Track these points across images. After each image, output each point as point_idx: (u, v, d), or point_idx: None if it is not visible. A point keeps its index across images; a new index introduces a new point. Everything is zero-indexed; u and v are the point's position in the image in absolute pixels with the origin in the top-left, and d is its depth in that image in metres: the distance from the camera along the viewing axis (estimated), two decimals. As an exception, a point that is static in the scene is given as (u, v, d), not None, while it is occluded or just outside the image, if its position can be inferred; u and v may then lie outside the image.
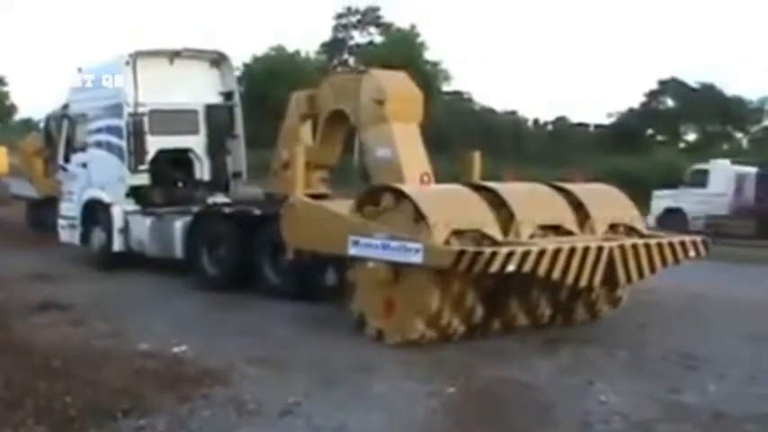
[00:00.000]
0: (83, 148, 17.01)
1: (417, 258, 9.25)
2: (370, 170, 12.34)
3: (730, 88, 57.09)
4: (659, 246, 10.23)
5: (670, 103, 58.78)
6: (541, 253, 9.12)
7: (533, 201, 10.37)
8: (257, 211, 13.52)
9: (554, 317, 10.59)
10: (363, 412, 7.37)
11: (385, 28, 49.51)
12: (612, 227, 10.64)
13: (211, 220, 14.44)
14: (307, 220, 11.11)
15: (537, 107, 69.45)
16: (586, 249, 9.47)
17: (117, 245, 15.84)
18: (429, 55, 44.44)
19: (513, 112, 61.52)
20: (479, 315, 9.79)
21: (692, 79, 56.64)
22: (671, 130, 57.96)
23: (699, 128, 58.47)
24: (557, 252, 9.23)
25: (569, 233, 10.18)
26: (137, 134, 15.72)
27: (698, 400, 7.66)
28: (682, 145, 56.21)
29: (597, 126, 57.99)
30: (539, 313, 10.38)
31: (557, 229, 10.17)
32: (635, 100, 59.55)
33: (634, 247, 9.97)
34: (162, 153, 16.25)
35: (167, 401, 7.54)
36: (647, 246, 10.11)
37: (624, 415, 7.23)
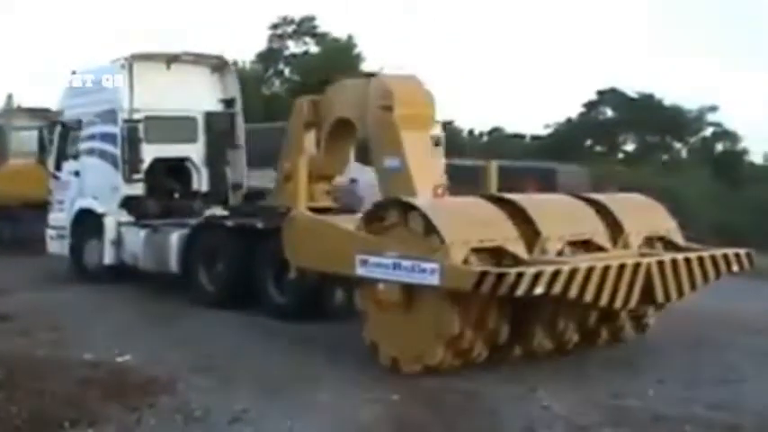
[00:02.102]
0: (75, 156, 15.90)
1: (434, 280, 8.18)
2: (379, 182, 11.23)
3: (669, 98, 56.44)
4: (700, 260, 9.16)
5: (609, 113, 57.36)
6: (573, 272, 8.04)
7: (560, 213, 9.30)
8: (260, 225, 12.45)
9: (581, 341, 9.49)
10: (310, 419, 7.34)
11: (320, 38, 48.74)
12: (648, 240, 9.61)
13: (210, 234, 13.37)
14: (310, 237, 10.01)
15: (473, 118, 68.29)
16: (622, 267, 8.41)
17: (108, 258, 14.78)
18: (366, 65, 43.61)
19: (449, 123, 60.50)
20: (504, 338, 8.70)
21: (632, 89, 55.38)
22: (610, 140, 56.68)
23: (638, 138, 57.13)
24: (589, 271, 8.15)
25: (601, 249, 9.11)
26: (131, 142, 14.68)
27: (638, 404, 7.66)
28: (620, 155, 55.07)
29: (534, 137, 57.04)
30: (566, 339, 9.24)
31: (586, 245, 9.11)
32: (573, 111, 58.77)
33: (673, 262, 8.90)
34: (158, 162, 15.18)
35: (114, 411, 7.45)
36: (688, 260, 9.04)
37: (566, 419, 7.21)
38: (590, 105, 57.26)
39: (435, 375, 8.54)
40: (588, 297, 8.17)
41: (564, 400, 7.75)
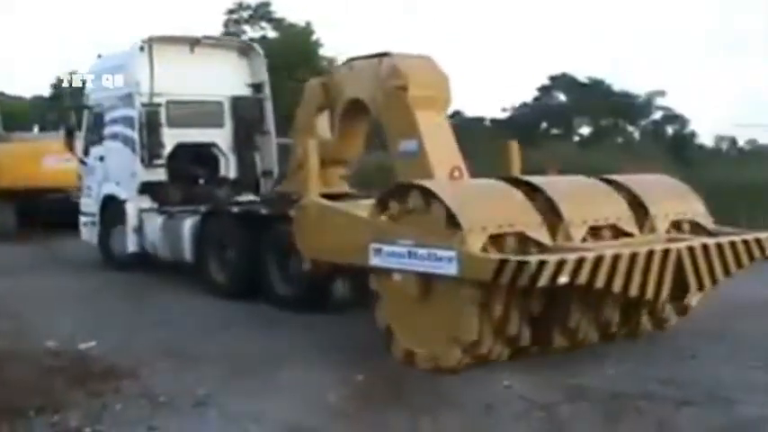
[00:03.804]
0: (100, 141, 15.18)
1: (451, 269, 7.33)
2: (393, 166, 10.30)
3: (618, 84, 56.37)
4: (732, 245, 8.14)
5: (562, 97, 56.96)
6: (598, 260, 7.11)
7: (583, 197, 8.33)
8: (264, 211, 11.62)
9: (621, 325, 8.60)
10: (276, 401, 7.14)
11: (277, 23, 48.23)
12: (675, 224, 8.68)
13: (219, 221, 12.39)
14: (321, 225, 9.16)
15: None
16: (651, 253, 7.45)
17: (131, 245, 14.00)
18: (324, 51, 42.92)
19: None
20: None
21: (583, 75, 55.28)
22: (565, 123, 55.86)
23: (592, 121, 56.41)
24: (616, 258, 7.21)
25: (627, 234, 8.18)
26: (151, 126, 13.87)
27: (597, 383, 7.48)
28: (576, 138, 54.27)
29: (493, 120, 56.05)
30: (604, 320, 8.33)
31: (611, 230, 8.19)
32: (528, 95, 58.71)
33: (704, 247, 7.91)
34: (181, 147, 14.37)
35: (79, 397, 7.25)
36: (719, 245, 8.03)
37: (526, 398, 7.08)
38: (543, 90, 56.86)
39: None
40: (616, 287, 7.27)
41: (524, 380, 7.49)
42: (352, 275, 9.82)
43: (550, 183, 8.43)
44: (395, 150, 10.31)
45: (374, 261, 8.20)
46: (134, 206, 14.17)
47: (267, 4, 48.30)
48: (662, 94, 53.73)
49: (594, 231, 8.15)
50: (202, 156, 14.92)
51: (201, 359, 8.52)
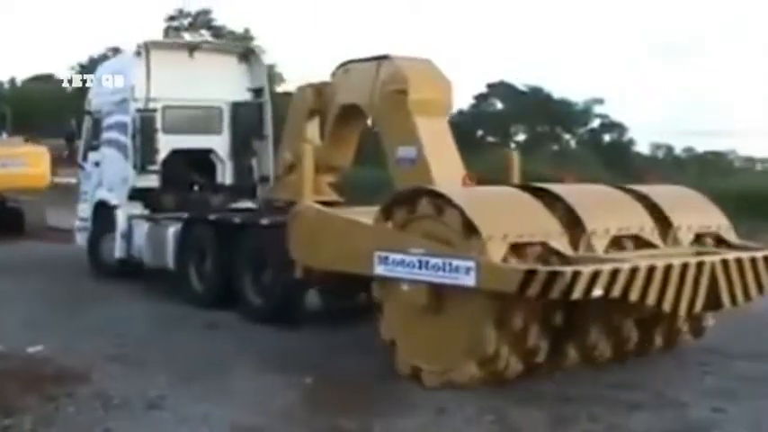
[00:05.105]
0: (97, 146, 14.19)
1: (469, 280, 6.32)
2: (392, 174, 9.24)
3: (557, 91, 54.67)
4: (766, 259, 7.23)
5: (499, 105, 55.67)
6: (633, 272, 6.16)
7: (604, 206, 7.34)
8: (237, 220, 10.59)
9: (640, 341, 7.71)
10: (226, 404, 6.88)
11: (217, 30, 47.74)
12: (699, 237, 7.73)
13: (198, 229, 11.35)
14: (319, 232, 8.00)
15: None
16: (685, 266, 6.50)
17: (119, 251, 12.98)
18: (263, 58, 42.29)
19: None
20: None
21: (521, 82, 53.94)
22: (501, 131, 54.54)
23: (528, 129, 55.16)
24: (651, 270, 6.25)
25: (650, 245, 7.19)
26: (144, 132, 12.82)
27: (549, 387, 7.23)
28: (512, 145, 52.50)
29: None
30: (624, 336, 7.59)
31: (634, 241, 7.26)
32: (465, 102, 58.21)
33: (738, 261, 6.94)
34: (177, 153, 13.29)
35: (31, 401, 6.90)
36: (753, 260, 7.06)
37: (477, 402, 6.82)
38: (480, 98, 55.18)
39: (347, 357, 8.11)
40: (651, 300, 6.31)
41: (474, 386, 7.06)
42: (325, 286, 9.32)
43: (570, 191, 7.35)
44: (392, 157, 9.34)
45: (379, 270, 7.06)
46: (124, 212, 13.16)
47: (207, 12, 47.47)
48: (601, 101, 53.56)
49: (617, 242, 7.37)
50: (199, 162, 13.78)
51: (150, 363, 8.11)
